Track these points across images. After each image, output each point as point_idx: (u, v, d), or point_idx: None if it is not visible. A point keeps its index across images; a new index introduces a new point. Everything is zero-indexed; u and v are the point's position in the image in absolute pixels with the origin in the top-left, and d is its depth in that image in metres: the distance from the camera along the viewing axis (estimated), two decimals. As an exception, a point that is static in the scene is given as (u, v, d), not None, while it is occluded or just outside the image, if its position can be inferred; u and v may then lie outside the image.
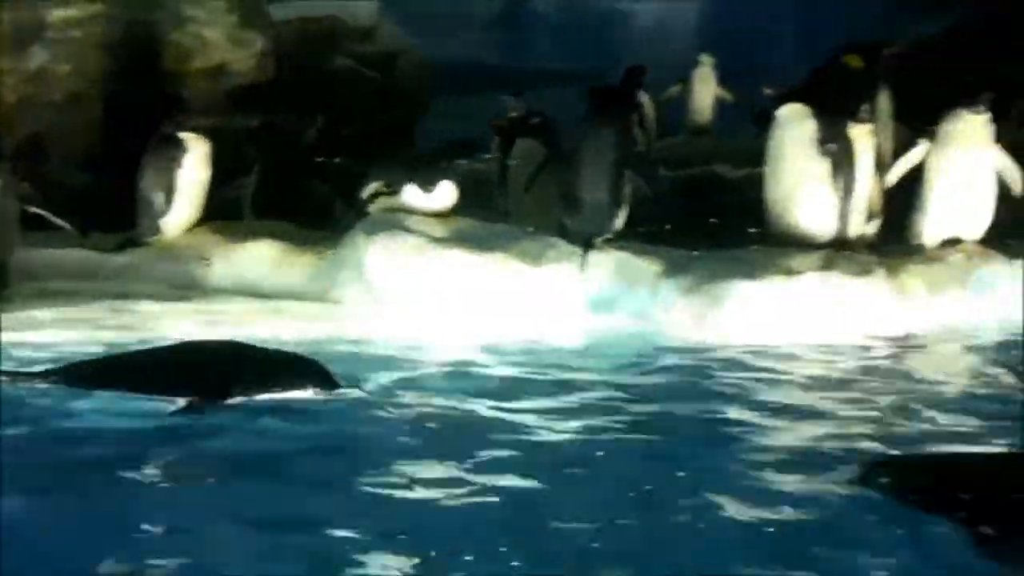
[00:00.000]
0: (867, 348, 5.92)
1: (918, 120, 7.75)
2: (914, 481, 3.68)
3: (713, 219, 8.17)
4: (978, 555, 3.25)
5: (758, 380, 5.25)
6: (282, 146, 8.24)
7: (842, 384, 5.27)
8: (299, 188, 8.15)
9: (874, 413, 4.76)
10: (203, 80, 8.75)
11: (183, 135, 7.26)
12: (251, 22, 8.97)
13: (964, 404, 4.95)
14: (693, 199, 8.95)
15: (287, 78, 9.14)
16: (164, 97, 8.16)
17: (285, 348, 5.03)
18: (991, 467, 3.90)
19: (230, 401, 4.45)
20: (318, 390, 4.58)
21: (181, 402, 4.40)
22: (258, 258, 6.99)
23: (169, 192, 7.20)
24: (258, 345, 4.86)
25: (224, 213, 7.57)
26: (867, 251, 6.86)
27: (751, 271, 6.32)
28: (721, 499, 3.61)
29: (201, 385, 4.49)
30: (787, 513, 3.53)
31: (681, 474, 3.86)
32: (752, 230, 7.03)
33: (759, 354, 5.69)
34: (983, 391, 5.23)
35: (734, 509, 3.55)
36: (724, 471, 3.91)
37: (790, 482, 3.80)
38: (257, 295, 6.64)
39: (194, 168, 7.26)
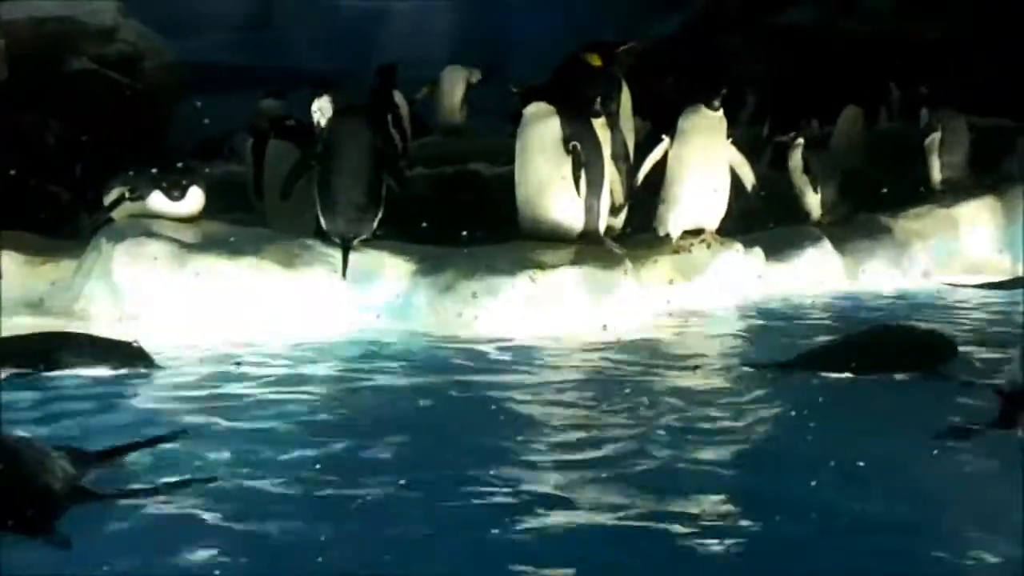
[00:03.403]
0: (607, 338, 6.12)
1: (657, 115, 8.12)
2: None
3: (470, 216, 8.27)
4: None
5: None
6: (18, 152, 7.83)
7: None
8: (38, 195, 7.76)
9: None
10: (-75, 83, 8.21)
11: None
12: (-24, 23, 8.49)
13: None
14: (450, 197, 9.04)
15: (20, 81, 8.68)
16: None
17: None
18: None
19: None
20: None
21: None
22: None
23: None
24: None
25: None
26: (615, 243, 7.13)
27: (505, 267, 6.44)
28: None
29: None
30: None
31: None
32: (508, 226, 7.15)
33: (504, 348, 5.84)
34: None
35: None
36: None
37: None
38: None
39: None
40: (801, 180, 8.80)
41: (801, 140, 8.86)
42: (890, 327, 5.93)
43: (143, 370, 5.23)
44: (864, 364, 5.12)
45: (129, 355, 5.27)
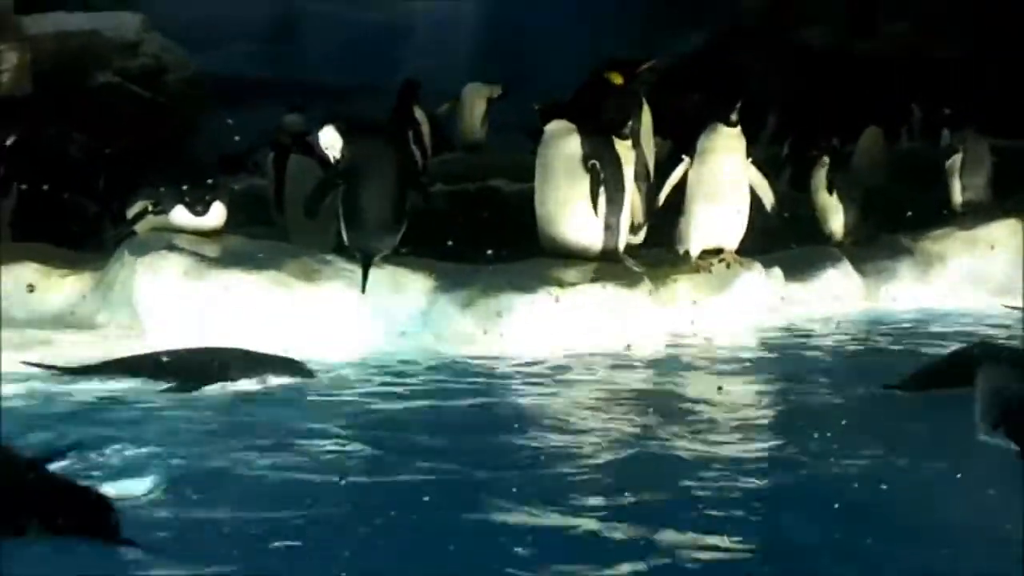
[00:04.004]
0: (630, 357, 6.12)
1: (677, 133, 8.13)
2: None
3: (489, 233, 8.29)
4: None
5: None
6: (42, 164, 7.88)
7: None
8: (63, 208, 7.81)
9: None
10: (-49, 96, 8.29)
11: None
12: (3, 36, 8.55)
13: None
14: (470, 213, 9.06)
15: (45, 93, 8.75)
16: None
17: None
18: None
19: None
20: None
21: None
22: (16, 283, 6.62)
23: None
24: None
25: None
26: (635, 262, 7.13)
27: (525, 284, 6.45)
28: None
29: None
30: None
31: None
32: (527, 243, 7.16)
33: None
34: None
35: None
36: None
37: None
38: (15, 322, 6.29)
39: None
40: (825, 200, 8.77)
41: (826, 159, 8.82)
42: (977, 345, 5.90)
43: (301, 380, 5.33)
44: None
45: (287, 367, 5.38)
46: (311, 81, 15.16)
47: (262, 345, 5.82)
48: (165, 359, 5.39)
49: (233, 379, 5.23)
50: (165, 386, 5.18)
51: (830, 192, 8.75)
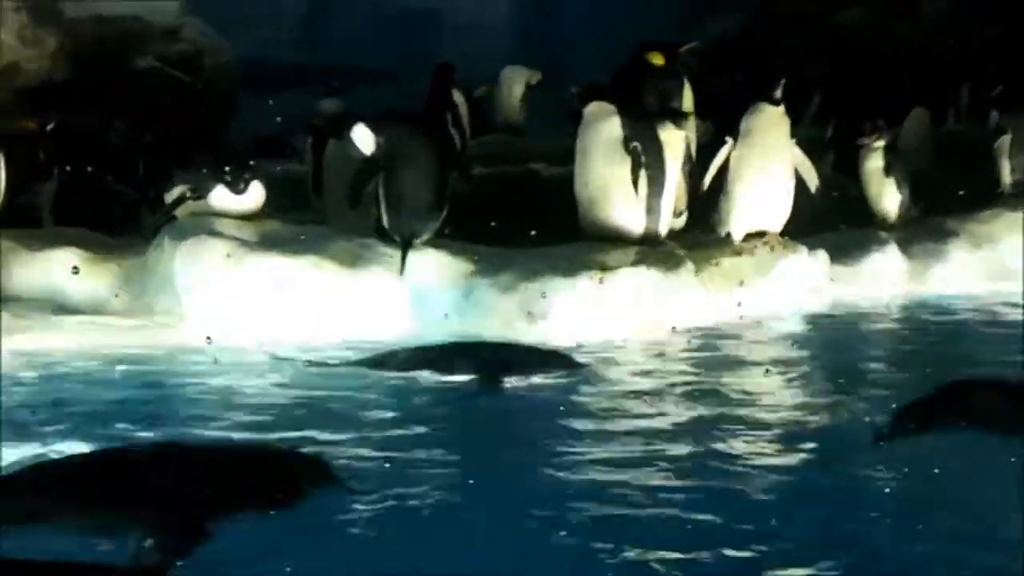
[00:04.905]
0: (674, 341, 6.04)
1: (718, 115, 8.01)
2: None
3: (528, 216, 8.21)
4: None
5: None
6: (82, 149, 7.90)
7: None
8: (103, 193, 7.83)
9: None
10: (-8, 81, 8.34)
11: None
12: (43, 20, 8.57)
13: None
14: (509, 197, 8.99)
15: (84, 78, 8.76)
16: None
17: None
18: None
19: None
20: None
21: None
22: (59, 267, 6.64)
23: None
24: None
25: (22, 220, 7.20)
26: (677, 245, 7.03)
27: (566, 268, 6.39)
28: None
29: None
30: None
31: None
32: (567, 226, 7.09)
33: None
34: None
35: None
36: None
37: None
38: (57, 307, 6.31)
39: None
40: (880, 181, 8.63)
41: (882, 142, 8.67)
42: None
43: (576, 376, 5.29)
44: None
45: (565, 362, 5.39)
46: (347, 66, 15.15)
47: (303, 326, 5.82)
48: (456, 353, 5.43)
49: (527, 373, 5.22)
50: (469, 378, 5.16)
51: (886, 173, 8.62)
